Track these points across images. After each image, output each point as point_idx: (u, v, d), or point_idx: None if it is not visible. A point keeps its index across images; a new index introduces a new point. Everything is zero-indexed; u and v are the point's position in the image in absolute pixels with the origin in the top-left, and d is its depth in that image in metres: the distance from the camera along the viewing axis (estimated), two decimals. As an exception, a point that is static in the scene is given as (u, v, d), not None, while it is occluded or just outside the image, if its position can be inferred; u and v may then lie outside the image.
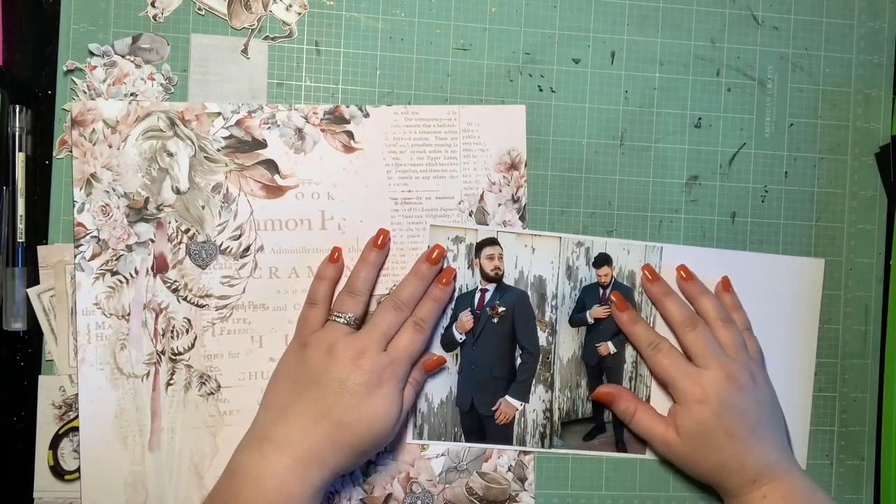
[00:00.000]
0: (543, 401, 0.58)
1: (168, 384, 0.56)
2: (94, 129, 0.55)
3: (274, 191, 0.57)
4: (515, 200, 0.59)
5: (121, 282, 0.55)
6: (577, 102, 0.60)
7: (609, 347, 0.58)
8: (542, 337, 0.58)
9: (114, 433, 0.55)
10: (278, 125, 0.57)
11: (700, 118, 0.61)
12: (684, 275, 0.58)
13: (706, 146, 0.61)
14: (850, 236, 0.62)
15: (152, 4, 0.56)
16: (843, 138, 0.62)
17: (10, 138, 0.55)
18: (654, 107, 0.60)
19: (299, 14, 0.58)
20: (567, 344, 0.59)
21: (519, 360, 0.58)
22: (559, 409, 0.58)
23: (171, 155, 0.56)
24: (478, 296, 0.58)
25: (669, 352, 0.56)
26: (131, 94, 0.56)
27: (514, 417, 0.57)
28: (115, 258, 0.55)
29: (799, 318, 0.61)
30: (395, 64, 0.58)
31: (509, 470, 0.59)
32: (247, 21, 0.57)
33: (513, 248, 0.58)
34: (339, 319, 0.53)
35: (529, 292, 0.58)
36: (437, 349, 0.57)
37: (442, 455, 0.58)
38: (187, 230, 0.56)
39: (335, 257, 0.56)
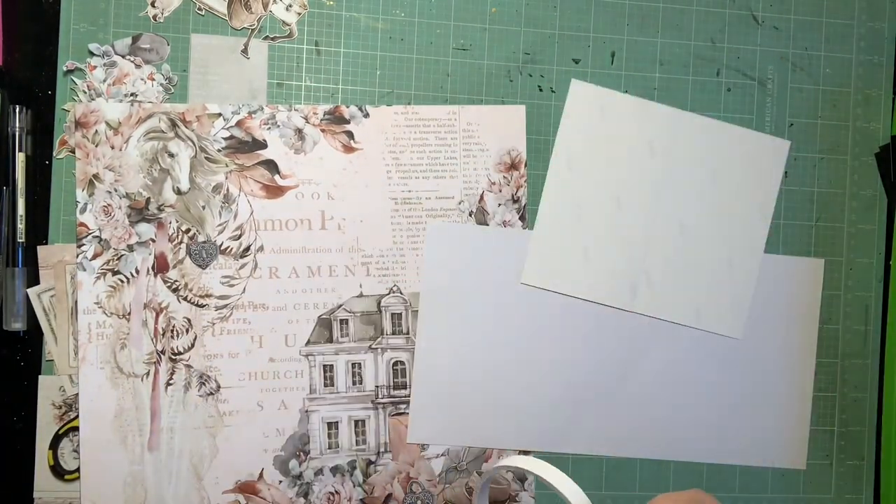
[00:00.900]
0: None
1: (168, 384, 0.56)
2: (96, 131, 0.55)
3: (274, 191, 0.57)
4: (515, 200, 0.59)
5: (122, 281, 0.55)
6: (577, 102, 0.60)
7: None
8: None
9: (113, 433, 0.55)
10: (278, 125, 0.57)
11: (700, 118, 0.61)
12: None
13: (706, 146, 0.61)
14: (850, 236, 0.62)
15: (152, 4, 0.56)
16: (843, 138, 0.62)
17: (10, 138, 0.55)
18: (654, 107, 0.60)
19: (299, 14, 0.58)
20: None
21: None
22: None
23: (172, 155, 0.56)
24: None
25: None
26: (131, 95, 0.56)
27: None
28: (116, 258, 0.55)
29: (799, 318, 0.61)
30: (395, 64, 0.58)
31: (509, 470, 0.59)
32: (247, 21, 0.57)
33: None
34: None
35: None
36: None
37: (442, 455, 0.58)
38: (188, 230, 0.56)
39: None
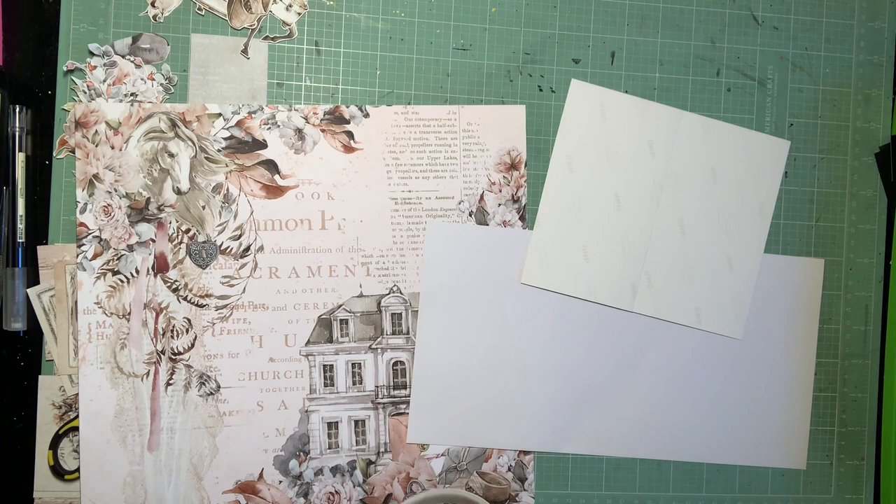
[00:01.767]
0: None
1: (168, 384, 0.56)
2: (96, 131, 0.55)
3: (274, 191, 0.57)
4: (515, 200, 0.59)
5: (122, 281, 0.55)
6: (577, 102, 0.60)
7: None
8: None
9: (113, 433, 0.55)
10: (278, 125, 0.57)
11: (700, 118, 0.61)
12: None
13: (706, 146, 0.61)
14: (850, 236, 0.62)
15: (152, 4, 0.56)
16: (843, 138, 0.62)
17: (10, 138, 0.55)
18: (654, 107, 0.60)
19: (299, 14, 0.58)
20: None
21: None
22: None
23: (172, 156, 0.56)
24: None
25: None
26: (131, 95, 0.56)
27: None
28: (116, 258, 0.56)
29: (799, 318, 0.61)
30: (395, 64, 0.58)
31: (509, 470, 0.59)
32: (247, 21, 0.57)
33: None
34: None
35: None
36: None
37: (442, 455, 0.58)
38: (188, 230, 0.56)
39: None
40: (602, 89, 0.60)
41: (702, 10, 0.61)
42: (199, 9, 0.57)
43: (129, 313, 0.56)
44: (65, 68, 0.56)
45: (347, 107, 0.58)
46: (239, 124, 0.57)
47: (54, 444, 0.55)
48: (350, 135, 0.58)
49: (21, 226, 0.55)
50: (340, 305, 0.58)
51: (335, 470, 0.57)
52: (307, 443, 0.57)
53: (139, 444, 0.56)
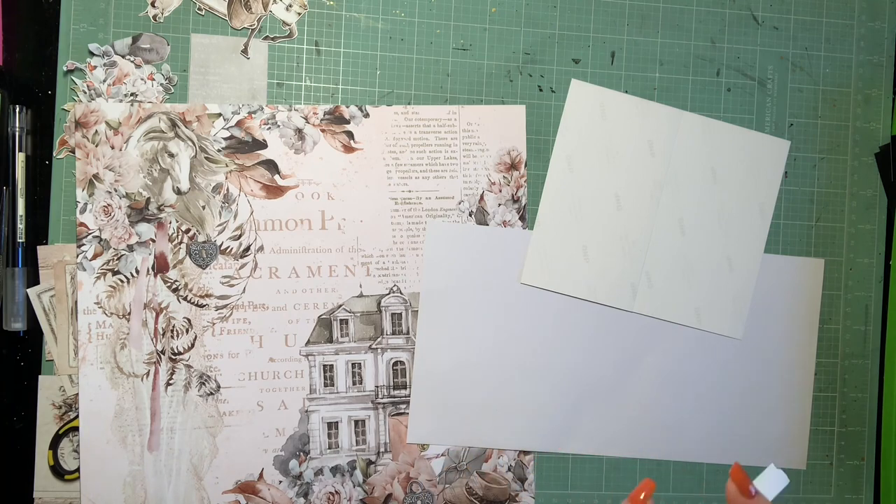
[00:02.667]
0: None
1: (168, 384, 0.56)
2: (96, 131, 0.55)
3: (274, 191, 0.57)
4: (515, 200, 0.59)
5: (122, 281, 0.55)
6: (577, 102, 0.60)
7: None
8: None
9: (113, 433, 0.55)
10: (278, 125, 0.57)
11: (700, 118, 0.61)
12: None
13: (706, 146, 0.61)
14: (850, 236, 0.62)
15: (152, 4, 0.56)
16: (843, 138, 0.62)
17: (10, 138, 0.55)
18: (654, 107, 0.60)
19: (299, 14, 0.58)
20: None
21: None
22: None
23: (172, 156, 0.56)
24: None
25: None
26: (131, 95, 0.56)
27: None
28: (116, 258, 0.55)
29: (799, 318, 0.61)
30: (395, 64, 0.58)
31: (509, 470, 0.59)
32: (247, 21, 0.57)
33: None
34: None
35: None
36: None
37: (442, 455, 0.58)
38: (188, 230, 0.56)
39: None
40: (602, 89, 0.60)
41: (702, 10, 0.61)
42: (199, 9, 0.57)
43: (129, 313, 0.56)
44: (65, 68, 0.56)
45: (347, 107, 0.58)
46: (239, 124, 0.57)
47: (54, 444, 0.55)
48: (350, 135, 0.58)
49: (21, 226, 0.55)
50: (340, 305, 0.58)
51: (335, 470, 0.57)
52: (307, 443, 0.57)
53: (139, 444, 0.56)
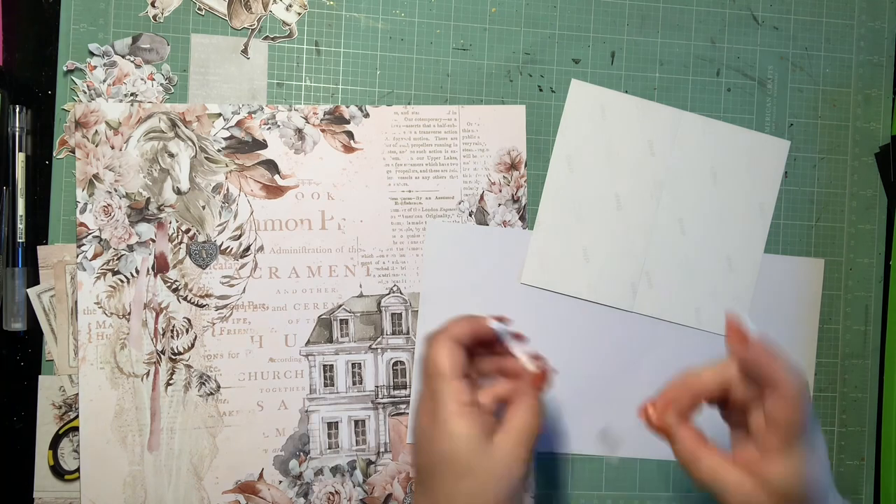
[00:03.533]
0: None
1: (168, 384, 0.56)
2: (96, 131, 0.55)
3: (274, 191, 0.57)
4: (515, 200, 0.59)
5: (122, 281, 0.55)
6: (577, 102, 0.60)
7: None
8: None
9: (113, 433, 0.55)
10: (278, 125, 0.57)
11: (700, 118, 0.61)
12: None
13: (706, 146, 0.61)
14: (850, 236, 0.62)
15: (152, 4, 0.56)
16: (843, 138, 0.62)
17: (10, 138, 0.55)
18: (654, 107, 0.60)
19: (299, 14, 0.58)
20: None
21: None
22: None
23: (172, 156, 0.56)
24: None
25: None
26: (131, 95, 0.56)
27: None
28: (116, 258, 0.55)
29: (799, 318, 0.61)
30: (395, 64, 0.58)
31: (509, 470, 0.59)
32: (247, 21, 0.57)
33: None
34: None
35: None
36: None
37: (442, 455, 0.58)
38: (188, 230, 0.56)
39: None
40: (602, 89, 0.60)
41: (702, 10, 0.61)
42: (199, 9, 0.57)
43: (129, 313, 0.56)
44: (65, 68, 0.56)
45: (347, 107, 0.58)
46: (239, 124, 0.57)
47: (54, 444, 0.55)
48: (350, 135, 0.58)
49: (21, 226, 0.55)
50: (340, 305, 0.58)
51: (335, 470, 0.57)
52: (307, 443, 0.57)
53: (139, 444, 0.56)
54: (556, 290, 0.59)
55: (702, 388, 0.44)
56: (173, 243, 0.56)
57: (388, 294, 0.58)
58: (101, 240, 0.55)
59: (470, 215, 0.59)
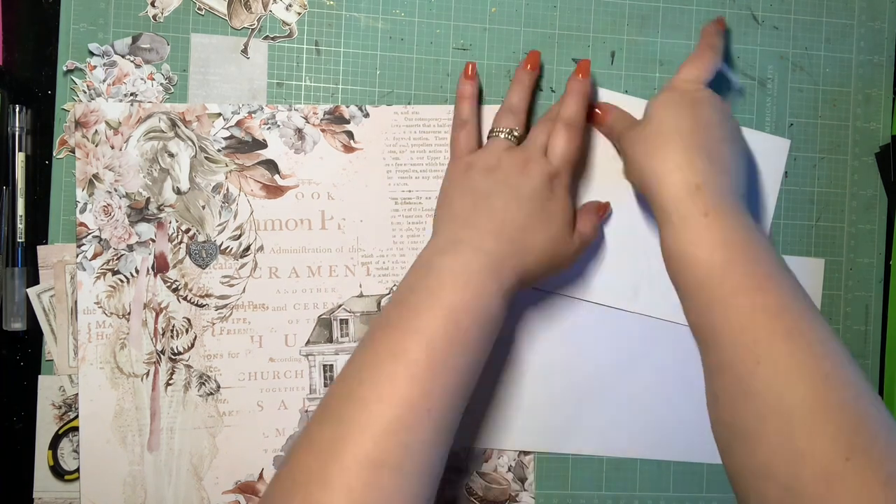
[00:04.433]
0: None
1: (168, 384, 0.56)
2: (96, 131, 0.55)
3: (274, 191, 0.57)
4: (515, 200, 0.59)
5: (121, 281, 0.55)
6: (577, 102, 0.60)
7: None
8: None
9: (113, 433, 0.55)
10: (278, 125, 0.57)
11: (700, 118, 0.61)
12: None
13: (706, 146, 0.61)
14: (850, 236, 0.62)
15: (152, 4, 0.56)
16: (843, 138, 0.62)
17: (10, 138, 0.55)
18: (654, 107, 0.60)
19: (299, 14, 0.58)
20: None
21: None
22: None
23: (172, 155, 0.56)
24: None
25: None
26: (131, 94, 0.56)
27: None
28: (116, 258, 0.55)
29: (799, 318, 0.61)
30: (395, 64, 0.58)
31: (509, 470, 0.59)
32: (247, 21, 0.57)
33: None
34: (500, 134, 0.53)
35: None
36: None
37: (442, 455, 0.58)
38: (188, 230, 0.56)
39: (469, 73, 0.56)
40: (602, 89, 0.60)
41: (702, 10, 0.61)
42: (199, 9, 0.57)
43: (129, 313, 0.56)
44: (65, 68, 0.56)
45: (347, 107, 0.58)
46: (239, 124, 0.57)
47: (54, 444, 0.55)
48: (350, 135, 0.58)
49: (21, 226, 0.55)
50: (340, 305, 0.58)
51: (335, 470, 0.57)
52: (307, 443, 0.57)
53: (139, 444, 0.55)
54: (556, 291, 0.59)
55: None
56: (173, 243, 0.56)
57: (389, 294, 0.58)
58: (100, 240, 0.55)
59: (470, 215, 0.58)
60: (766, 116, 0.61)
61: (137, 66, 0.56)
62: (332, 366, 0.58)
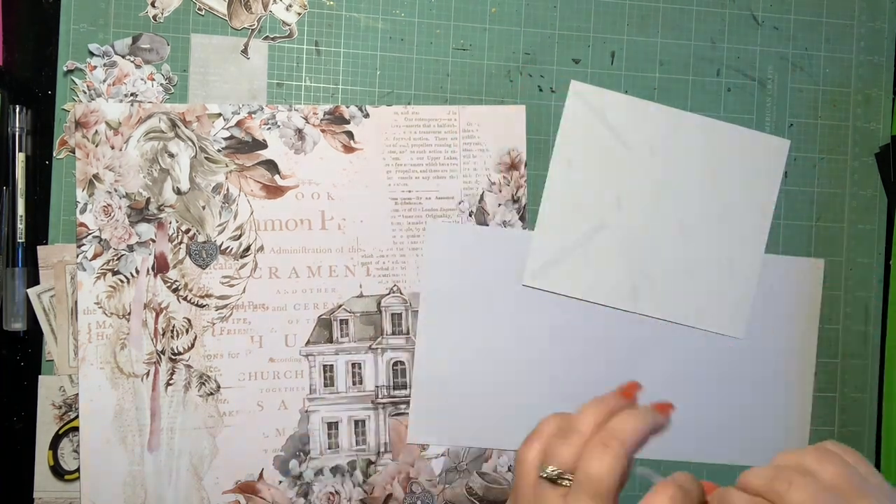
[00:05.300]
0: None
1: (168, 384, 0.56)
2: (96, 131, 0.55)
3: (274, 191, 0.57)
4: (515, 200, 0.59)
5: (122, 281, 0.55)
6: (577, 102, 0.60)
7: None
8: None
9: (113, 433, 0.55)
10: (278, 126, 0.57)
11: (700, 118, 0.61)
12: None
13: (706, 146, 0.61)
14: (850, 236, 0.62)
15: (152, 4, 0.56)
16: (843, 138, 0.62)
17: (10, 138, 0.55)
18: (654, 107, 0.60)
19: (299, 14, 0.58)
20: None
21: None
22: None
23: (172, 156, 0.56)
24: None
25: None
26: (131, 95, 0.56)
27: None
28: (116, 258, 0.55)
29: (799, 318, 0.61)
30: (395, 64, 0.58)
31: (509, 470, 0.59)
32: (247, 21, 0.57)
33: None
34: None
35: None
36: None
37: (442, 455, 0.58)
38: (188, 230, 0.56)
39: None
40: (602, 90, 0.60)
41: (702, 10, 0.61)
42: (199, 9, 0.57)
43: (129, 313, 0.56)
44: (65, 68, 0.56)
45: (347, 107, 0.58)
46: (239, 124, 0.57)
47: (54, 444, 0.55)
48: (350, 135, 0.58)
49: (21, 226, 0.55)
50: (340, 305, 0.58)
51: (335, 470, 0.57)
52: (307, 443, 0.57)
53: (139, 444, 0.56)
54: (556, 291, 0.59)
55: None
56: (173, 243, 0.56)
57: (388, 294, 0.58)
58: (101, 240, 0.55)
59: (470, 215, 0.59)
60: (766, 116, 0.61)
61: (137, 66, 0.56)
62: (331, 366, 0.58)
